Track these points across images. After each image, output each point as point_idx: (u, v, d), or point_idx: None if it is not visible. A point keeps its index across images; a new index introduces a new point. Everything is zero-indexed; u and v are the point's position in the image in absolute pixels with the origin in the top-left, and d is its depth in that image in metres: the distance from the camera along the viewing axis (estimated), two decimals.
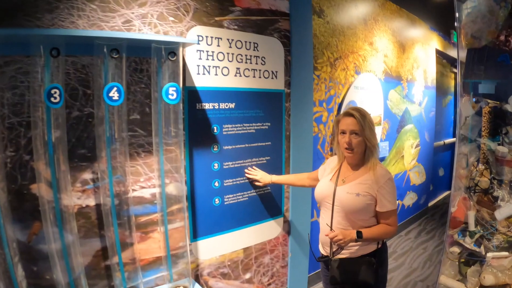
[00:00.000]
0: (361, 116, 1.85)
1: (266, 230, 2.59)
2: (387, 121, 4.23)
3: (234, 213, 2.39)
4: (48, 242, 1.66)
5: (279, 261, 2.70)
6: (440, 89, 6.11)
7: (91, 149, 1.80)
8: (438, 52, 5.75)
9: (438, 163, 6.51)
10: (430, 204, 6.02)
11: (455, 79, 7.30)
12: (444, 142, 6.60)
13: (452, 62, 6.84)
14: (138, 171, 1.99)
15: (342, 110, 3.29)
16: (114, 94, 1.73)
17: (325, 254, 1.99)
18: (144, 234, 2.05)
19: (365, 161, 1.91)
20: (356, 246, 1.87)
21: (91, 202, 1.83)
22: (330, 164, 2.11)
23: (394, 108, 4.41)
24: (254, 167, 2.44)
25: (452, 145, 7.11)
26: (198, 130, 2.17)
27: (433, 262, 3.93)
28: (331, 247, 1.88)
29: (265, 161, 2.51)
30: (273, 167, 2.56)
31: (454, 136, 7.26)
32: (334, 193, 1.89)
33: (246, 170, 2.41)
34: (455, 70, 7.15)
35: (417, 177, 5.25)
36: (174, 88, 1.85)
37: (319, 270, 3.15)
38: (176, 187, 2.03)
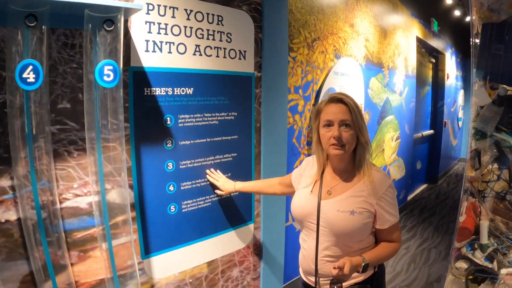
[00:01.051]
0: (353, 103, 1.45)
1: (234, 240, 2.20)
2: (367, 112, 3.89)
3: (194, 222, 1.99)
4: None
5: (250, 273, 2.32)
6: (419, 79, 5.85)
7: (8, 148, 1.39)
8: (418, 40, 5.47)
9: (416, 156, 6.28)
10: (409, 198, 5.77)
11: (434, 69, 7.11)
12: (422, 134, 6.39)
13: (431, 51, 6.62)
14: (70, 175, 1.58)
15: (321, 99, 2.92)
16: (29, 75, 1.32)
17: (308, 283, 1.58)
18: (83, 253, 1.65)
19: (357, 164, 1.48)
20: None
21: (12, 216, 1.42)
22: (308, 169, 1.66)
23: (375, 98, 4.09)
24: (217, 170, 2.07)
25: (429, 137, 6.95)
26: (147, 122, 1.76)
27: (417, 264, 3.65)
28: (316, 276, 1.50)
29: (231, 159, 2.12)
30: (241, 166, 2.17)
31: (431, 128, 7.11)
32: (318, 210, 1.46)
33: (207, 171, 2.02)
34: (433, 60, 6.95)
35: (397, 172, 4.98)
36: (111, 67, 1.43)
37: (295, 278, 2.84)
38: (120, 194, 1.62)
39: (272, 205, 2.38)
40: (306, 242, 1.54)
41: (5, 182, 1.40)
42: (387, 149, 4.59)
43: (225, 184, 2.01)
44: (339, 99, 1.46)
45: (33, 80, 1.32)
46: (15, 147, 1.37)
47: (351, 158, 1.50)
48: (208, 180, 2.02)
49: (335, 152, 1.43)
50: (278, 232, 2.43)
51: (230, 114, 2.07)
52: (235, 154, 2.14)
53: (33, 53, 1.33)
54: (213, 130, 2.01)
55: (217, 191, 2.04)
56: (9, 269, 1.47)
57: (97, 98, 1.45)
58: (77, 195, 1.61)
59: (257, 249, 2.36)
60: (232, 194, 2.14)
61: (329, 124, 1.44)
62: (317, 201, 1.48)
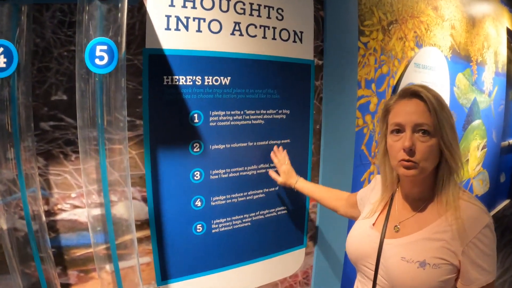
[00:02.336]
0: (434, 99, 0.95)
1: (279, 266, 1.78)
2: (452, 114, 3.18)
3: (227, 246, 1.60)
4: None
5: None
6: (509, 78, 4.83)
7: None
8: (508, 33, 4.50)
9: (501, 167, 5.28)
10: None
11: None
12: (509, 143, 5.31)
13: None
14: (67, 182, 1.29)
15: None
16: None
17: None
18: (83, 274, 1.37)
19: (438, 190, 0.99)
20: None
21: (2, 224, 1.16)
22: (375, 192, 1.21)
23: (462, 98, 3.34)
24: (285, 151, 1.66)
25: None
26: (167, 119, 1.39)
27: None
28: None
29: None
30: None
31: None
32: (378, 254, 1.02)
33: (274, 149, 1.66)
34: None
35: (480, 186, 4.11)
36: (105, 47, 1.06)
37: None
38: (128, 207, 1.28)
39: (331, 227, 1.91)
40: None
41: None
42: (471, 160, 3.79)
43: (288, 173, 1.60)
44: (414, 93, 0.98)
45: (3, 65, 1.02)
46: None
47: (431, 180, 1.01)
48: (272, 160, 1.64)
49: (404, 172, 0.96)
50: (335, 259, 1.96)
51: (280, 112, 1.63)
52: None
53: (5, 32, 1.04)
54: (257, 132, 1.58)
55: (273, 175, 1.62)
56: (2, 282, 1.25)
57: (90, 88, 1.10)
58: (76, 206, 1.31)
59: (307, 278, 1.91)
60: (278, 212, 1.71)
61: (398, 129, 0.97)
62: (378, 241, 1.04)
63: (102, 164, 1.20)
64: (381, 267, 1.01)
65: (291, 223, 1.77)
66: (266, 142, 1.61)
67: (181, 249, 1.49)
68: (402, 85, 2.41)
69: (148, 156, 1.37)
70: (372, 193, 1.22)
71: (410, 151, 0.93)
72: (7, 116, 1.08)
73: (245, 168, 1.57)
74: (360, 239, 1.10)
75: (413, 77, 2.53)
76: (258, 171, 1.61)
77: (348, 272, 2.11)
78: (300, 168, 1.75)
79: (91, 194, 1.27)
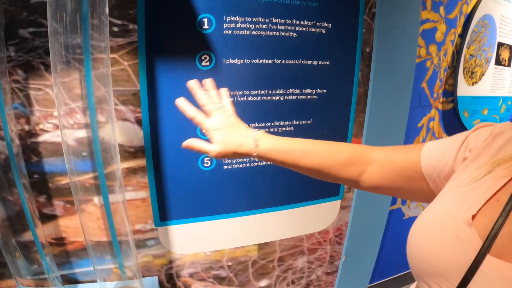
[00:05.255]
0: None
1: (307, 219, 1.49)
2: None
3: (242, 187, 1.32)
4: None
5: (323, 265, 1.62)
6: None
7: None
8: None
9: None
10: None
11: None
12: None
13: None
14: (49, 98, 1.06)
15: (471, 29, 1.87)
16: None
17: None
18: (70, 205, 1.18)
19: None
20: None
21: None
22: (486, 150, 0.55)
23: None
24: (221, 90, 0.87)
25: None
26: (168, 23, 1.08)
27: None
28: None
29: (315, 96, 1.33)
30: (331, 112, 1.39)
31: None
32: (468, 273, 0.46)
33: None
34: None
35: None
36: None
37: (388, 279, 2.04)
38: (116, 131, 1.03)
39: None
40: None
41: None
42: None
43: (232, 133, 0.76)
44: None
45: None
46: None
47: None
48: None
49: None
50: (377, 216, 1.64)
51: (319, 24, 1.27)
52: (323, 90, 1.34)
53: None
54: (287, 47, 1.23)
55: (197, 144, 0.79)
56: None
57: None
58: (58, 127, 1.07)
59: (340, 236, 1.61)
60: None
61: None
62: (475, 252, 0.47)
63: (88, 77, 0.93)
64: None
65: None
66: (299, 61, 1.26)
67: (184, 185, 1.24)
68: (476, 16, 1.92)
69: (143, 69, 1.08)
70: (484, 150, 0.55)
71: None
72: None
73: (269, 92, 1.24)
74: (438, 240, 0.51)
75: (491, 8, 2.02)
76: (286, 97, 1.27)
77: (391, 236, 1.80)
78: (342, 102, 1.40)
79: (75, 113, 1.02)
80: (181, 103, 0.79)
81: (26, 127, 1.07)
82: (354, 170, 0.73)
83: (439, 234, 0.51)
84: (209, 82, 0.80)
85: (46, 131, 1.08)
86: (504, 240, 0.46)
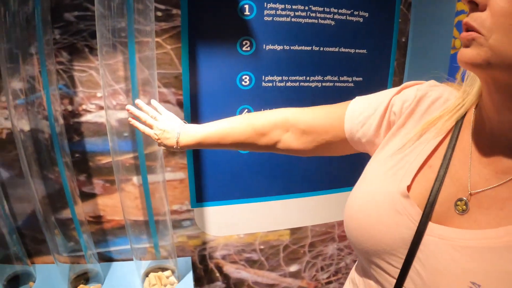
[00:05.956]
0: None
1: (339, 206, 1.50)
2: None
3: (278, 171, 1.35)
4: None
5: (352, 253, 1.64)
6: None
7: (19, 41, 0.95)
8: None
9: None
10: None
11: None
12: None
13: None
14: (92, 80, 1.12)
15: None
16: None
17: None
18: (110, 184, 1.23)
19: None
20: None
21: (25, 125, 1.02)
22: (413, 120, 0.54)
23: None
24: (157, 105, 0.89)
25: None
26: (210, 8, 1.11)
27: None
28: None
29: (351, 84, 1.35)
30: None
31: None
32: (413, 245, 0.46)
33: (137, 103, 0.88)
34: None
35: None
36: None
37: None
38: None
39: None
40: None
41: (17, 84, 0.97)
42: None
43: (166, 127, 0.81)
44: None
45: None
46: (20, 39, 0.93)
47: None
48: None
49: (460, 55, 0.40)
50: None
51: (357, 13, 1.28)
52: (360, 78, 1.36)
53: None
54: (326, 35, 1.25)
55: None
56: (22, 186, 1.15)
57: None
58: (102, 108, 1.12)
59: None
60: None
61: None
62: (417, 224, 0.46)
63: (131, 60, 0.97)
64: (414, 274, 0.46)
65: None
66: (336, 49, 1.28)
67: (221, 168, 1.27)
68: None
69: (186, 52, 1.12)
70: (409, 116, 0.55)
71: (473, 10, 0.38)
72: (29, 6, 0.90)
73: (307, 78, 1.27)
74: (377, 217, 0.50)
75: None
76: (323, 84, 1.29)
77: None
78: (378, 90, 1.41)
79: (118, 94, 1.06)
80: (131, 108, 0.83)
81: (69, 108, 1.12)
82: (270, 139, 0.75)
83: (377, 212, 0.50)
84: (139, 101, 0.84)
85: (89, 111, 1.13)
86: (443, 206, 0.46)
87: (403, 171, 0.50)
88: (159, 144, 0.82)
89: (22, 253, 1.19)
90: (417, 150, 0.50)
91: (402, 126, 0.55)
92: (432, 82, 0.57)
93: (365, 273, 0.58)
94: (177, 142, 0.79)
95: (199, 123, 0.81)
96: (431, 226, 0.45)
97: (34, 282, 1.20)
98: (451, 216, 0.45)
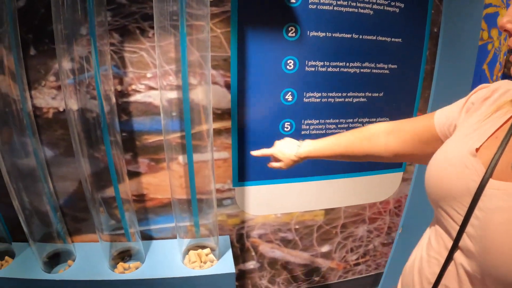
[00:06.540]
0: None
1: (370, 189, 1.57)
2: None
3: None
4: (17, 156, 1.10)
5: (380, 235, 1.70)
6: None
7: (68, 21, 0.98)
8: None
9: None
10: None
11: None
12: None
13: None
14: (142, 61, 1.18)
15: None
16: None
17: None
18: (154, 163, 1.29)
19: None
20: None
21: (73, 104, 1.08)
22: (484, 104, 0.66)
23: None
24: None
25: None
26: None
27: None
28: None
29: (386, 71, 1.41)
30: (400, 85, 1.46)
31: None
32: (475, 199, 0.56)
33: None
34: None
35: None
36: None
37: None
38: (207, 93, 1.12)
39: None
40: (431, 246, 0.70)
41: (67, 64, 1.02)
42: None
43: (286, 150, 1.05)
44: None
45: None
46: (72, 20, 0.98)
47: None
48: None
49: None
50: None
51: (393, 3, 1.34)
52: (395, 65, 1.42)
53: None
54: (364, 23, 1.32)
55: (273, 164, 1.09)
56: (68, 165, 1.22)
57: None
58: (151, 88, 1.18)
59: (399, 208, 1.69)
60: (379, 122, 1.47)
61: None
62: (479, 175, 0.57)
63: (182, 42, 1.04)
64: (474, 219, 0.56)
65: None
66: (374, 37, 1.35)
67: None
68: None
69: (235, 36, 1.19)
70: (484, 102, 0.66)
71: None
72: None
73: (347, 64, 1.33)
74: (450, 170, 0.62)
75: None
76: (361, 70, 1.36)
77: None
78: (411, 78, 1.48)
79: (168, 75, 1.13)
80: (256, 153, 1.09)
81: (119, 87, 1.18)
82: (377, 142, 0.89)
83: (450, 165, 0.62)
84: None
85: (138, 91, 1.20)
86: (503, 166, 0.57)
87: (475, 138, 0.61)
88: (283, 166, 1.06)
89: (63, 232, 1.26)
90: (488, 125, 0.62)
91: (479, 109, 0.66)
92: (507, 80, 0.68)
93: (434, 223, 0.70)
94: (299, 146, 1.03)
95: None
96: (491, 181, 0.56)
97: (73, 260, 1.26)
98: (509, 174, 0.56)
